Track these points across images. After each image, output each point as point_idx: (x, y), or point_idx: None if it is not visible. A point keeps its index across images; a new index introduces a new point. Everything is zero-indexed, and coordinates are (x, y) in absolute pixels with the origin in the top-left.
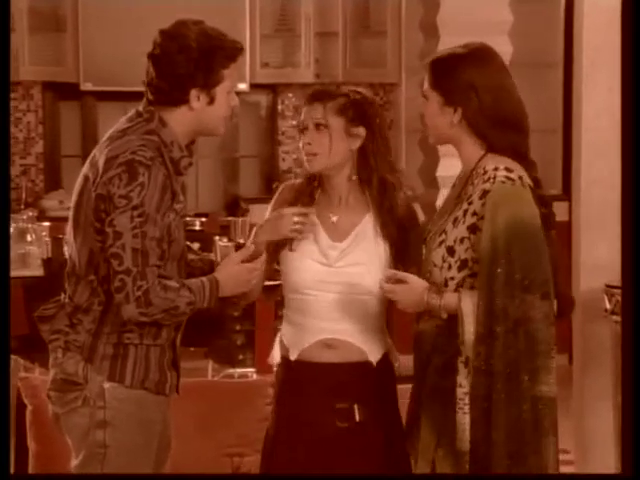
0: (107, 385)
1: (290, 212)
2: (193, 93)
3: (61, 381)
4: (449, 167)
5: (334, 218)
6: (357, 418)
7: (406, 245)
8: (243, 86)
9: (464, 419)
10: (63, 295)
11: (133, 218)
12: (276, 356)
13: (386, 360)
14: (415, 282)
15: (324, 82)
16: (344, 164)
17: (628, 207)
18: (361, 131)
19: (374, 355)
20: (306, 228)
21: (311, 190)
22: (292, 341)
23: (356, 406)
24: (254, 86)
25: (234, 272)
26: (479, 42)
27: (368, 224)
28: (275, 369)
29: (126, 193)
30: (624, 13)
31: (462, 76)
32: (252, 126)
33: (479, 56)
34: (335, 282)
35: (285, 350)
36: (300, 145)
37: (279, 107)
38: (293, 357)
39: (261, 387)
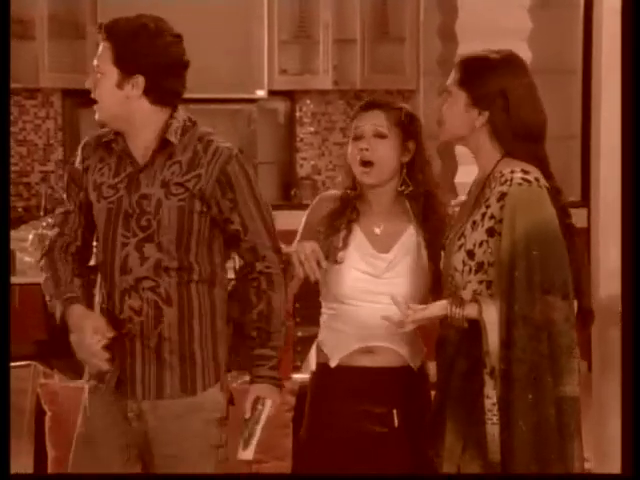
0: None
1: (308, 248)
2: None
3: None
4: (468, 174)
5: (377, 230)
6: (396, 423)
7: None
8: (261, 93)
9: (493, 429)
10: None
11: None
12: (312, 363)
13: (424, 366)
14: (436, 312)
15: (343, 89)
16: (394, 177)
17: (628, 212)
18: (412, 145)
19: (414, 361)
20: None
21: (353, 204)
22: (333, 348)
23: (395, 411)
24: (272, 93)
25: (80, 328)
26: (509, 49)
27: (412, 236)
28: (310, 376)
29: None
30: (624, 15)
31: (494, 80)
32: (270, 133)
33: (513, 63)
34: (380, 292)
35: (324, 357)
36: (350, 151)
37: (297, 114)
38: (334, 364)
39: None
